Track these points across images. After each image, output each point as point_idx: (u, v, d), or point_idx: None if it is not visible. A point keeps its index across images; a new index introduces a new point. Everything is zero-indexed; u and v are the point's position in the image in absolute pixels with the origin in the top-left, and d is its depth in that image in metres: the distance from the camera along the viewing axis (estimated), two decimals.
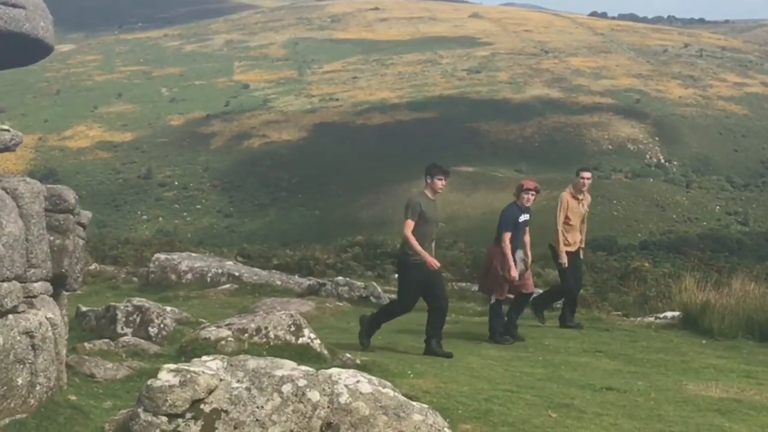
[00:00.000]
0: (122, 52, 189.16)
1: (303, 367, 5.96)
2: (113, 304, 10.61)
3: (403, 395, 5.91)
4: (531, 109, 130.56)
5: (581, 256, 12.99)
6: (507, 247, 11.37)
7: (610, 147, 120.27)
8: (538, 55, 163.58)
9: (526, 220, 11.67)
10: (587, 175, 12.71)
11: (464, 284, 18.11)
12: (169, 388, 5.63)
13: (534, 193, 11.62)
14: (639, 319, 13.93)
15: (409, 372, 8.76)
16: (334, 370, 5.95)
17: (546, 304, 13.32)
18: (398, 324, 13.54)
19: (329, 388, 5.72)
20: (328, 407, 5.64)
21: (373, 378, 5.96)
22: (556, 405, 7.82)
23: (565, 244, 12.47)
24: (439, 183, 10.21)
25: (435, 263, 10.11)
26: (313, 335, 9.49)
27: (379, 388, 5.81)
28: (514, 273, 11.34)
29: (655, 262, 24.84)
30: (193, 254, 18.91)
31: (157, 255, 18.00)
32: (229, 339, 9.08)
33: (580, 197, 12.62)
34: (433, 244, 10.45)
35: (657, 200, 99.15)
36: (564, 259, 12.44)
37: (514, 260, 11.47)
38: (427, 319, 10.49)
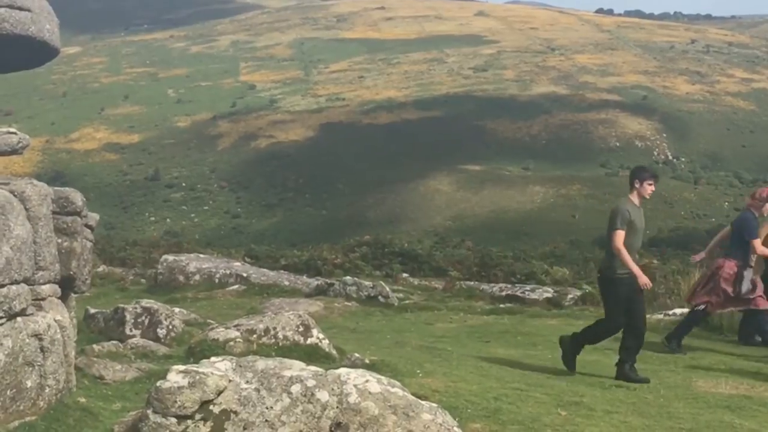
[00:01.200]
0: (128, 54, 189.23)
1: (312, 368, 5.96)
2: (122, 305, 10.65)
3: (412, 394, 5.89)
4: (538, 106, 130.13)
5: None
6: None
7: (617, 144, 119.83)
8: (544, 52, 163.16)
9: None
10: None
11: (472, 283, 18.09)
12: (178, 390, 5.63)
13: None
14: (647, 316, 13.87)
15: (418, 371, 8.74)
16: (342, 370, 5.94)
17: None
18: (404, 323, 13.55)
19: (338, 388, 5.71)
20: (337, 407, 5.64)
21: (382, 377, 5.95)
22: (566, 403, 7.80)
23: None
24: (650, 188, 9.38)
25: (647, 282, 9.23)
26: (321, 335, 9.49)
27: (388, 387, 5.79)
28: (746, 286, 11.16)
29: (663, 258, 24.79)
30: (201, 255, 18.95)
31: (165, 256, 18.05)
32: (238, 340, 9.08)
33: None
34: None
35: (665, 197, 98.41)
36: None
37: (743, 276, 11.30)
38: (621, 341, 9.48)
